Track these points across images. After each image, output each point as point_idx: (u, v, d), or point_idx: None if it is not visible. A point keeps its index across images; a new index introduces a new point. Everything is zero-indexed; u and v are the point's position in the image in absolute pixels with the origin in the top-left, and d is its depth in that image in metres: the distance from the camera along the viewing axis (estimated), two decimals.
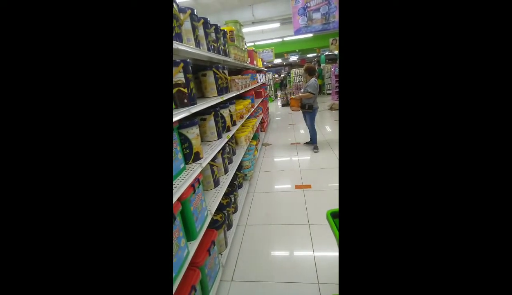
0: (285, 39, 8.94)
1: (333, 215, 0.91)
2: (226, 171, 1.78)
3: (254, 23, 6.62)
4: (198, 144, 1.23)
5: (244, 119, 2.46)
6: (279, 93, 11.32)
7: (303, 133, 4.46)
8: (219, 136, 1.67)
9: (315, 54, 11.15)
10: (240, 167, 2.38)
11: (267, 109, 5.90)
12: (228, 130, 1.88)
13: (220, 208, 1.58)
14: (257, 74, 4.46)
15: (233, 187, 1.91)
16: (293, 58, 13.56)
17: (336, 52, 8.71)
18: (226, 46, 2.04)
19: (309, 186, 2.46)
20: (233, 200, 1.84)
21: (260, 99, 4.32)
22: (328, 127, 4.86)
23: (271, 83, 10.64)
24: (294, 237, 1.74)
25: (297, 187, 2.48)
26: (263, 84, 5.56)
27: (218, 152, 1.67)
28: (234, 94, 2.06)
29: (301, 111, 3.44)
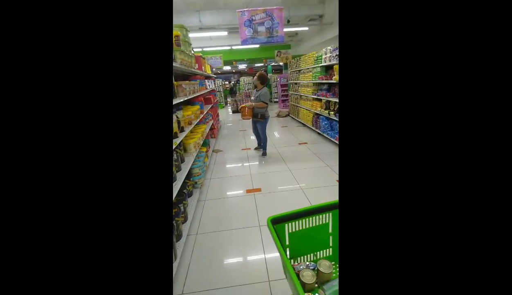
0: (234, 47, 9.14)
1: (273, 221, 0.91)
2: (174, 180, 1.71)
3: (201, 29, 6.56)
4: None
5: (192, 126, 2.40)
6: (229, 99, 11.41)
7: (254, 139, 4.62)
8: None
9: (262, 64, 11.74)
10: (189, 175, 2.30)
11: (217, 115, 5.88)
12: (176, 137, 1.81)
13: None
14: (206, 80, 4.43)
15: (182, 196, 1.83)
16: (242, 66, 13.93)
17: (281, 63, 9.38)
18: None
19: (259, 190, 2.56)
20: (182, 210, 1.77)
21: (210, 106, 4.29)
22: (276, 133, 5.17)
23: (221, 90, 10.65)
24: (246, 241, 1.78)
25: (248, 191, 2.55)
26: (212, 90, 5.53)
27: None
28: (181, 100, 2.01)
29: (250, 119, 3.53)
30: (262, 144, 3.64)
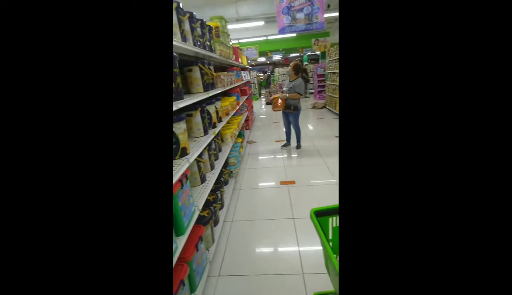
0: (269, 38, 9.00)
1: (316, 213, 0.88)
2: (212, 167, 1.78)
3: (238, 20, 6.58)
4: (185, 140, 1.22)
5: (229, 116, 2.46)
6: (263, 91, 11.37)
7: None
8: (206, 133, 1.66)
9: (298, 54, 11.36)
10: (226, 164, 2.38)
11: (252, 107, 5.92)
12: (214, 126, 1.88)
13: (207, 204, 1.58)
14: (242, 72, 4.46)
15: (219, 184, 1.91)
16: (277, 57, 13.68)
17: (318, 52, 8.94)
18: (212, 42, 2.03)
19: (293, 182, 2.53)
20: (219, 197, 1.84)
21: (245, 97, 4.33)
22: (311, 125, 5.00)
23: (255, 82, 10.66)
24: (280, 231, 1.79)
25: (281, 183, 2.54)
26: (248, 82, 5.57)
27: (205, 148, 1.66)
28: (220, 91, 2.06)
29: (280, 111, 3.43)
30: (296, 137, 3.55)
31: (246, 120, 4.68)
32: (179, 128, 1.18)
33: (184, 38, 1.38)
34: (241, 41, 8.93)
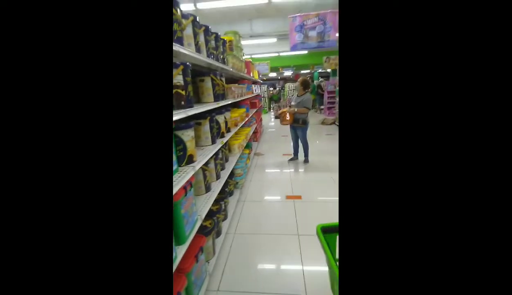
0: (281, 54, 9.22)
1: (323, 230, 0.83)
2: (218, 177, 1.77)
3: (251, 37, 6.81)
4: (192, 148, 1.23)
5: (238, 128, 2.48)
6: (272, 105, 11.49)
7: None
8: (213, 142, 1.67)
9: (309, 71, 11.54)
10: (232, 174, 2.37)
11: (261, 120, 5.97)
12: (222, 136, 1.88)
13: (210, 214, 1.55)
14: (253, 85, 4.55)
15: (224, 194, 1.88)
16: (288, 73, 13.94)
17: (329, 69, 9.05)
18: (225, 54, 2.09)
19: (299, 197, 2.47)
20: (223, 207, 1.81)
21: (255, 110, 4.38)
22: (320, 141, 4.96)
23: (265, 96, 10.82)
24: (283, 248, 1.72)
25: (288, 197, 2.48)
26: (258, 95, 5.65)
27: (211, 157, 1.66)
28: (230, 102, 2.09)
29: (289, 125, 3.43)
30: (304, 151, 3.52)
31: (255, 132, 4.70)
32: (188, 135, 1.19)
33: (198, 49, 1.43)
34: (253, 56, 9.18)
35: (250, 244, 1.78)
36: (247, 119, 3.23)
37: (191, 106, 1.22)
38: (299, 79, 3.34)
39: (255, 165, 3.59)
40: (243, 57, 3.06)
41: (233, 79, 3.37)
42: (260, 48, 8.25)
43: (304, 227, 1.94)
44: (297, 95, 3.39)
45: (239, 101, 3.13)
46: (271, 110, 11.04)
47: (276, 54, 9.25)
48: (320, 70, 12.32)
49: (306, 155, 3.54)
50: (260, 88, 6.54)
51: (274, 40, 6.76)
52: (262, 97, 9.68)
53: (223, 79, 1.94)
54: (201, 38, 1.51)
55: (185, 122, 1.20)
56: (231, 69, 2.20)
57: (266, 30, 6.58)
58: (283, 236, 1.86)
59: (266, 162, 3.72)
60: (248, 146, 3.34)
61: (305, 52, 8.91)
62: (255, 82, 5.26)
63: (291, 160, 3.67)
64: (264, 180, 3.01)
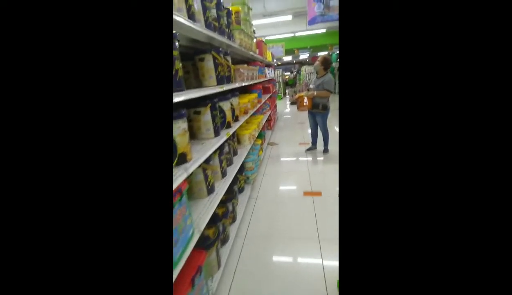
0: (297, 34, 8.58)
1: None
2: (223, 175, 1.51)
3: (265, 16, 6.31)
4: (185, 143, 0.96)
5: (248, 115, 2.18)
6: (287, 90, 10.98)
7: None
8: (217, 134, 1.40)
9: (326, 52, 10.74)
10: (241, 169, 2.11)
11: (275, 106, 5.60)
12: (229, 126, 1.61)
13: (214, 220, 1.31)
14: (266, 68, 4.17)
15: (231, 193, 1.64)
16: (304, 56, 13.17)
17: None
18: (231, 28, 1.76)
19: (319, 193, 2.17)
20: (230, 209, 1.57)
21: (268, 95, 4.03)
22: (337, 127, 4.53)
23: (280, 81, 10.30)
24: (302, 256, 1.46)
25: (305, 193, 2.19)
26: (272, 79, 5.25)
27: (214, 152, 1.40)
28: (237, 86, 1.79)
29: (306, 111, 3.07)
30: (324, 140, 3.16)
31: (268, 120, 4.38)
32: (178, 128, 0.92)
33: (192, 17, 1.13)
34: (267, 38, 8.63)
35: (263, 251, 1.54)
36: (259, 106, 2.92)
37: (181, 90, 0.94)
38: (318, 58, 2.92)
39: (268, 156, 3.30)
40: (254, 34, 2.70)
41: (242, 61, 3.02)
42: (274, 28, 7.70)
43: (326, 231, 1.66)
44: (317, 77, 2.99)
45: (249, 85, 2.81)
46: (286, 96, 10.53)
47: (291, 35, 8.62)
48: (337, 52, 11.47)
49: (326, 143, 3.18)
50: (274, 72, 6.10)
51: (289, 17, 6.20)
52: (276, 81, 9.21)
53: (229, 58, 1.63)
54: (196, 4, 1.20)
55: (175, 111, 0.93)
56: (238, 46, 1.87)
57: (280, 8, 6.05)
58: (301, 241, 1.59)
59: (281, 153, 3.41)
60: (260, 136, 3.05)
61: (323, 30, 8.22)
62: (268, 65, 4.85)
63: (308, 149, 3.33)
64: (279, 173, 2.73)
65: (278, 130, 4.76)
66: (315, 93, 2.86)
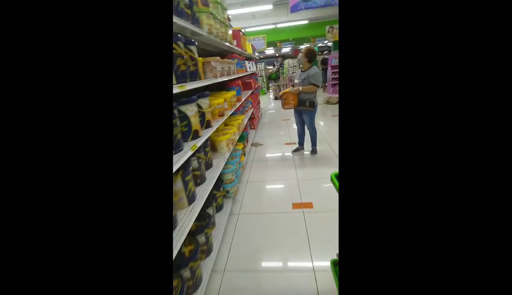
0: (278, 26, 8.24)
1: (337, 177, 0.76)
2: (191, 200, 1.18)
3: (243, 5, 5.90)
4: None
5: (225, 117, 1.84)
6: (271, 85, 10.67)
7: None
8: (177, 149, 1.05)
9: (310, 44, 10.53)
10: (219, 183, 1.77)
11: (258, 102, 5.27)
12: (196, 136, 1.26)
13: (178, 265, 0.98)
14: (247, 61, 3.81)
15: (204, 220, 1.31)
16: (286, 49, 12.93)
17: (330, 43, 8.11)
18: (195, 10, 1.39)
19: (309, 205, 1.90)
20: (203, 241, 1.24)
21: (250, 91, 3.70)
22: (326, 124, 4.31)
23: (263, 75, 9.96)
24: (294, 289, 1.18)
25: (294, 206, 1.91)
26: (254, 74, 4.90)
27: (176, 172, 1.06)
28: (207, 83, 1.44)
29: (293, 109, 2.79)
30: (311, 139, 2.90)
31: (251, 118, 4.05)
32: None
33: None
34: (247, 30, 8.22)
35: (247, 287, 1.24)
36: (239, 104, 2.58)
37: None
38: (302, 50, 2.63)
39: (252, 159, 2.99)
40: (229, 24, 2.33)
41: (216, 53, 2.65)
42: (254, 20, 7.30)
43: (319, 252, 1.39)
44: (301, 70, 2.69)
45: (227, 81, 2.46)
46: (270, 91, 10.22)
47: (273, 26, 8.26)
48: (319, 44, 11.33)
49: (314, 143, 2.92)
50: (256, 67, 5.74)
51: (269, 7, 5.83)
52: (259, 76, 8.85)
53: (193, 49, 1.28)
54: None
55: None
56: (206, 34, 1.51)
57: None
58: (293, 274, 1.31)
59: (266, 155, 3.11)
60: (242, 138, 2.72)
61: (305, 22, 7.95)
62: (249, 59, 4.50)
63: (296, 150, 3.05)
64: (264, 180, 2.43)
65: (262, 128, 4.45)
66: (300, 88, 2.57)
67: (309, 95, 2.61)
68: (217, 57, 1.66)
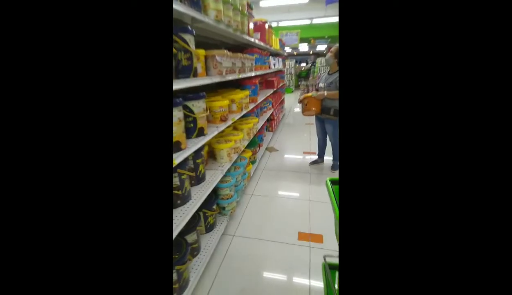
0: (314, 21, 7.69)
1: (332, 181, 0.85)
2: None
3: None
4: None
5: (229, 122, 1.58)
6: (300, 83, 10.17)
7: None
8: None
9: None
10: (213, 198, 1.53)
11: (281, 102, 4.92)
12: (178, 149, 1.01)
13: None
14: (271, 57, 3.49)
15: (179, 252, 1.06)
16: (321, 47, 12.21)
17: None
18: None
19: (319, 238, 1.57)
20: (174, 279, 1.00)
21: (271, 90, 3.38)
22: None
23: (292, 73, 9.50)
24: None
25: (301, 236, 1.60)
26: (279, 71, 4.55)
27: None
28: (207, 82, 1.18)
29: (314, 116, 2.42)
30: (333, 153, 2.52)
31: (270, 119, 3.75)
32: None
33: None
34: (280, 24, 7.81)
35: None
36: (254, 106, 2.30)
37: None
38: (331, 49, 2.24)
39: (263, 167, 2.70)
40: (249, 12, 2.03)
41: (238, 46, 2.37)
42: (289, 14, 6.87)
43: None
44: (328, 73, 2.31)
45: (243, 79, 2.18)
46: (298, 89, 9.73)
47: (308, 22, 7.74)
48: None
49: (335, 158, 2.54)
50: (284, 64, 5.36)
51: (305, 0, 5.38)
52: (288, 74, 8.41)
53: (190, 39, 1.02)
54: None
55: None
56: (212, 22, 1.24)
57: None
58: None
59: (280, 164, 2.80)
60: (253, 143, 2.44)
61: None
62: (276, 55, 4.16)
63: (314, 163, 2.70)
64: (272, 195, 2.13)
65: (282, 131, 4.12)
66: (325, 93, 2.20)
67: (335, 102, 2.23)
68: (224, 51, 1.38)
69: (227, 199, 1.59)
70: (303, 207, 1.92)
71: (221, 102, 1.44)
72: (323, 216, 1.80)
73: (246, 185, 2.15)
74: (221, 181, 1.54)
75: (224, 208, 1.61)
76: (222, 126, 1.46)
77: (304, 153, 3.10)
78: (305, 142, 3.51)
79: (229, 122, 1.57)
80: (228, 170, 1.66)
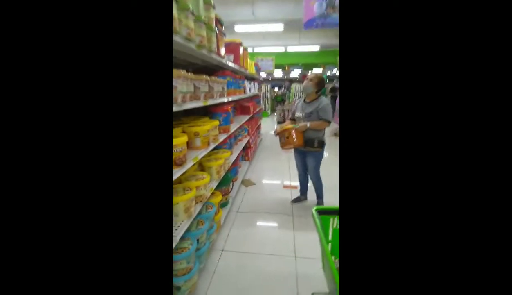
0: (289, 49, 7.90)
1: (318, 212, 0.86)
2: None
3: (254, 22, 5.52)
4: None
5: (187, 167, 1.16)
6: (276, 108, 10.22)
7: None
8: None
9: (320, 69, 10.19)
10: None
11: (258, 128, 4.64)
12: None
13: None
14: (247, 81, 3.23)
15: None
16: (294, 74, 12.69)
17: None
18: None
19: None
20: None
21: (247, 117, 3.07)
22: (333, 164, 3.62)
23: (268, 97, 9.52)
24: None
25: None
26: (255, 96, 4.32)
27: None
28: None
29: (292, 149, 2.12)
30: (316, 189, 2.20)
31: (246, 148, 3.39)
32: None
33: None
34: (256, 50, 7.88)
35: None
36: (226, 136, 1.92)
37: None
38: (309, 76, 2.02)
39: (238, 207, 2.26)
40: (219, 28, 1.73)
41: (207, 69, 2.04)
42: (264, 40, 6.95)
43: None
44: (305, 101, 2.06)
45: (212, 106, 1.81)
46: (274, 114, 9.71)
47: (283, 49, 7.93)
48: (328, 73, 11.10)
49: (319, 195, 2.22)
50: (260, 88, 5.20)
51: (280, 27, 5.43)
52: (263, 98, 8.35)
53: None
54: None
55: None
56: (180, 40, 0.88)
57: (271, 15, 5.30)
58: None
59: (257, 203, 2.38)
60: (226, 180, 2.02)
61: (317, 48, 7.61)
62: (251, 79, 3.94)
63: (296, 200, 2.34)
64: (247, 250, 1.68)
65: (258, 159, 3.77)
66: (308, 124, 1.92)
67: (318, 133, 1.96)
68: (181, 71, 1.01)
69: (184, 274, 1.11)
70: (287, 263, 1.51)
71: (176, 141, 1.03)
72: (314, 281, 1.39)
73: (215, 239, 1.68)
74: (175, 251, 1.08)
75: (179, 288, 1.12)
76: (177, 173, 1.04)
77: (284, 187, 2.74)
78: (285, 171, 3.18)
79: (189, 165, 1.16)
80: (188, 229, 1.20)
